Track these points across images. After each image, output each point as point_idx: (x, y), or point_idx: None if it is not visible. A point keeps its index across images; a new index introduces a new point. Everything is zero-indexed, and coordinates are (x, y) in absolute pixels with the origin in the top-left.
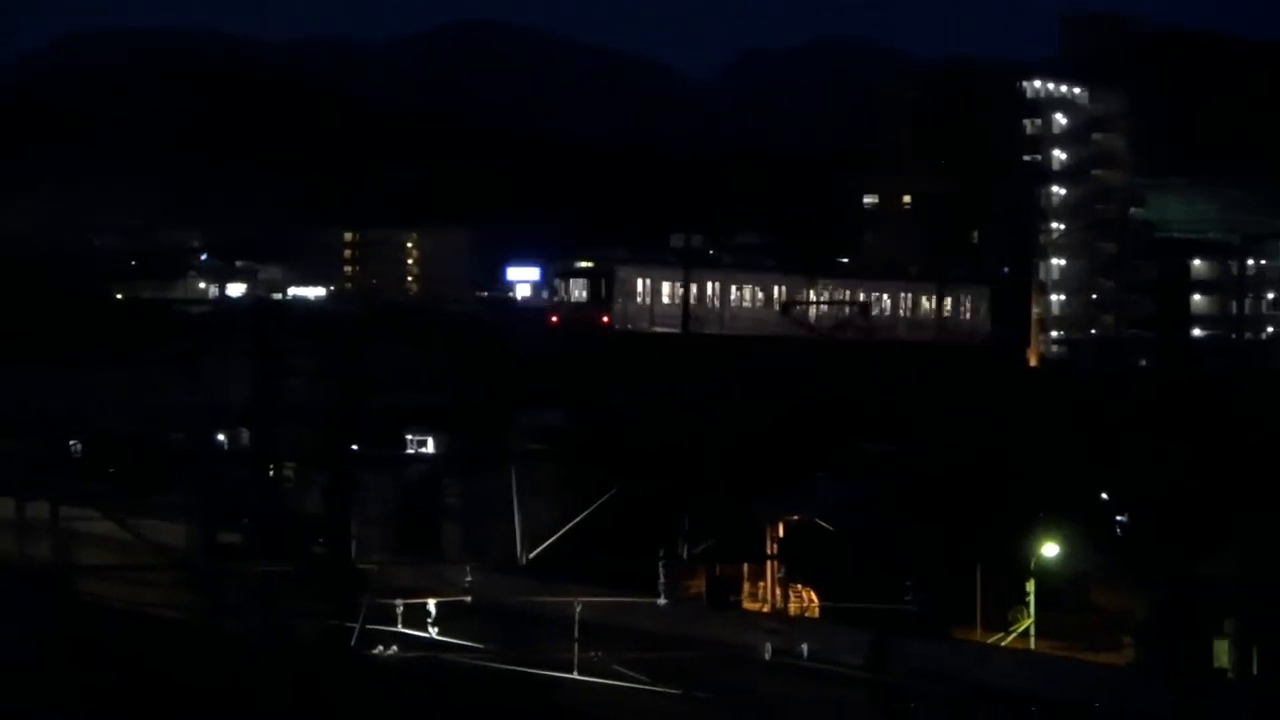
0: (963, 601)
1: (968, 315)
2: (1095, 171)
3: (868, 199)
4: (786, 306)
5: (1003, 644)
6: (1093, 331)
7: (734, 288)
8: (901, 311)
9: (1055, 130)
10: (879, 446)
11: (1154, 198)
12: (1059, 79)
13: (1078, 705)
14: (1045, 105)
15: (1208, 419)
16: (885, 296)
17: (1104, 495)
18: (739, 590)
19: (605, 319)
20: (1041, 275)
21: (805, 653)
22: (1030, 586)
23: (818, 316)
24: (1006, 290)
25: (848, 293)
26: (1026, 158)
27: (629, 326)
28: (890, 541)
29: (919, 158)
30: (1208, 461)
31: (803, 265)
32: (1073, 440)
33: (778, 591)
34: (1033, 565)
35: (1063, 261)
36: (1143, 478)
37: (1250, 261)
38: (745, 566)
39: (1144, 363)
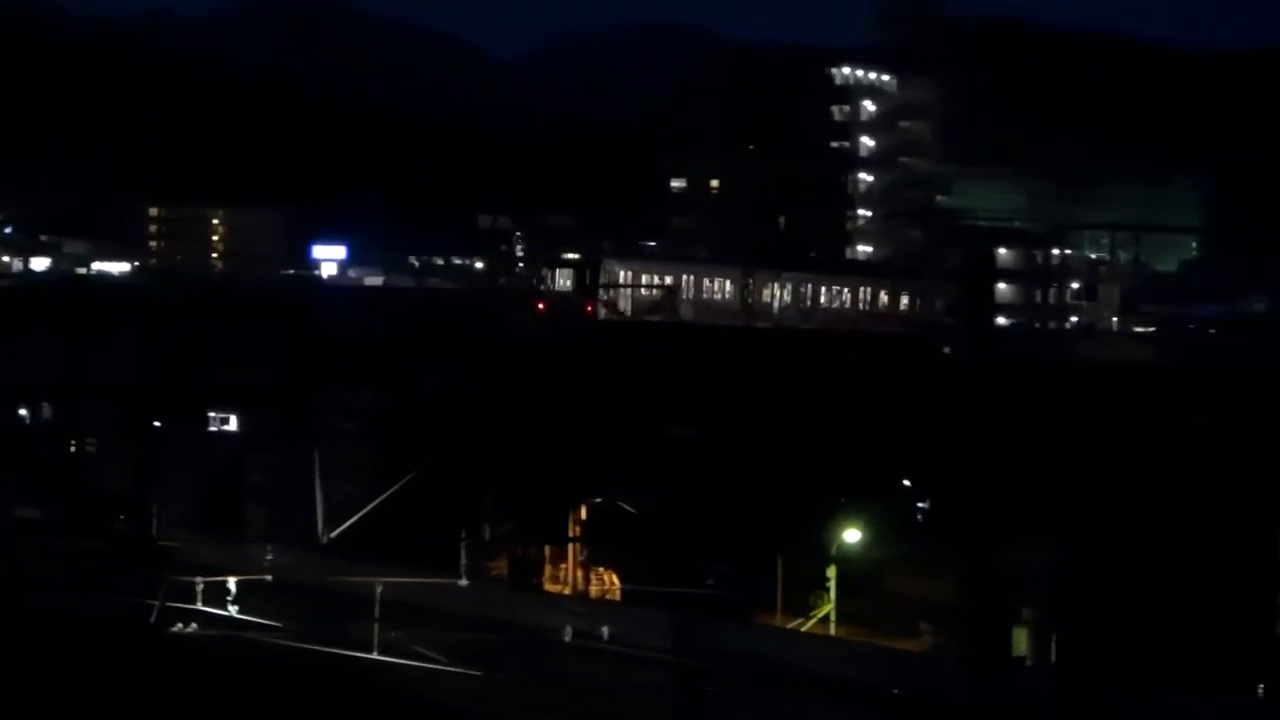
0: (765, 586)
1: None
2: (903, 159)
3: (676, 182)
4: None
5: (803, 629)
6: None
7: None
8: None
9: (864, 117)
10: (685, 430)
11: (961, 186)
12: (868, 66)
13: (877, 690)
14: (854, 92)
15: (1010, 407)
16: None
17: (905, 482)
18: (541, 572)
19: (590, 308)
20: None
21: (606, 635)
22: (831, 572)
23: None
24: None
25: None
26: (835, 144)
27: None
28: (693, 525)
29: (728, 142)
30: (1009, 449)
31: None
32: (875, 426)
33: (580, 574)
34: (834, 551)
35: (870, 248)
36: (943, 464)
37: (1055, 251)
38: (548, 548)
39: (949, 350)
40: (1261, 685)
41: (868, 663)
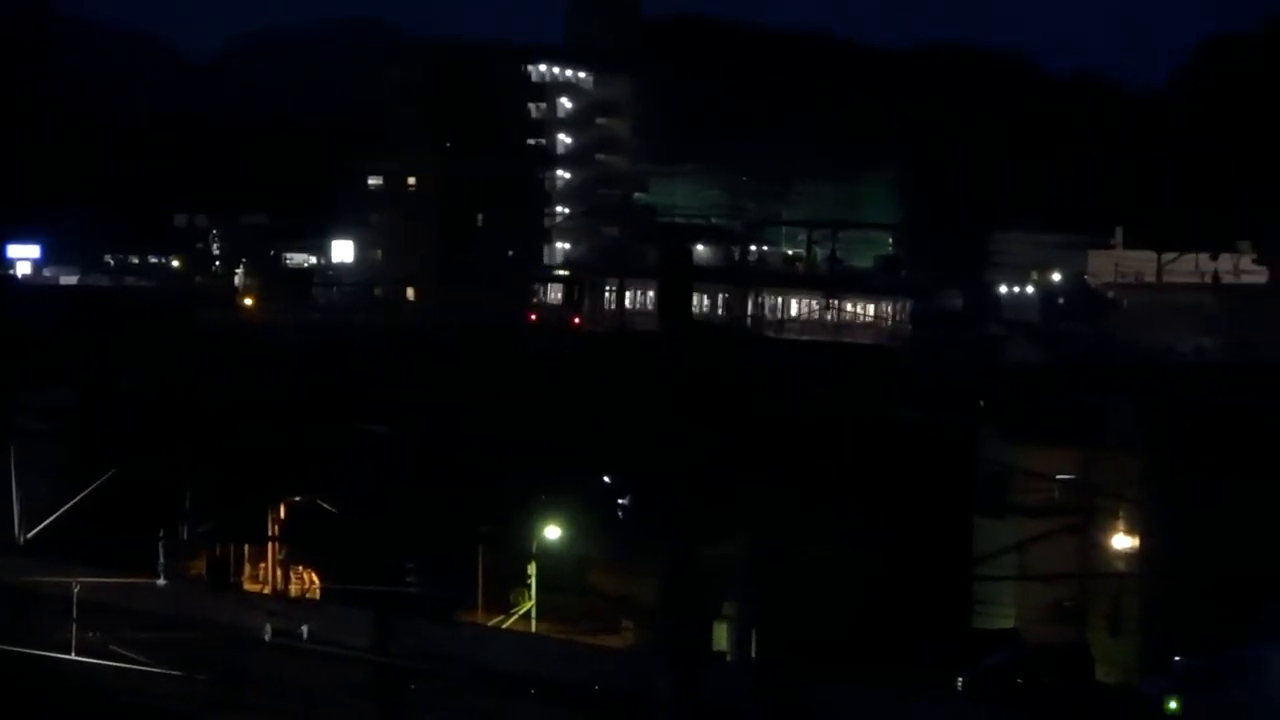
0: (466, 583)
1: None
2: (599, 156)
3: (373, 180)
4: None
5: (504, 626)
6: None
7: None
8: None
9: (561, 114)
10: (382, 428)
11: (659, 183)
12: (564, 63)
13: (577, 686)
14: (551, 89)
15: (708, 402)
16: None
17: (605, 479)
18: (240, 571)
19: (577, 320)
20: (546, 259)
21: (306, 634)
22: (532, 569)
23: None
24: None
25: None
26: (532, 141)
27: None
28: (393, 523)
29: (424, 139)
30: (710, 445)
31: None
32: (576, 422)
33: (279, 573)
34: (534, 548)
35: (567, 245)
36: (643, 461)
37: (752, 247)
38: (247, 548)
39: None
40: (960, 679)
41: (568, 659)
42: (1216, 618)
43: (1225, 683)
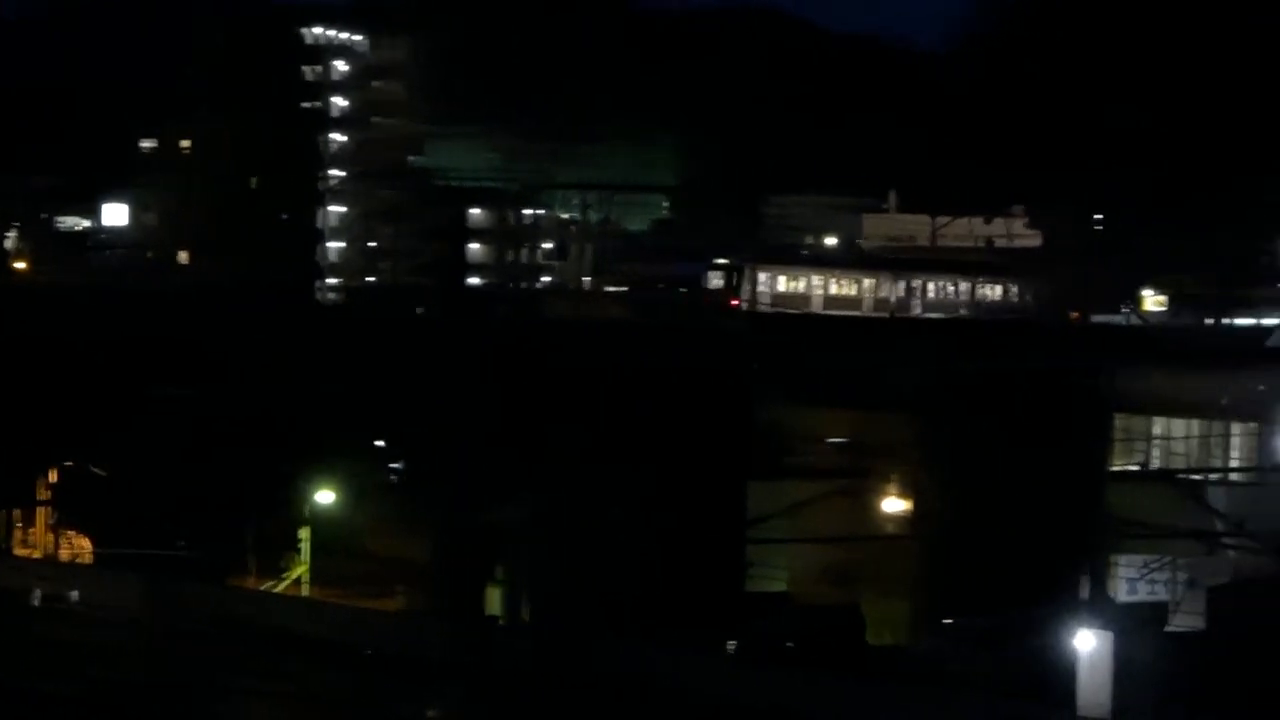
0: (237, 548)
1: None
2: (375, 119)
3: (147, 143)
4: None
5: (277, 590)
6: (370, 279)
7: None
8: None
9: (336, 77)
10: (172, 390)
11: (436, 146)
12: (339, 25)
13: (351, 648)
14: (326, 52)
15: (484, 366)
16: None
17: (379, 442)
18: (9, 536)
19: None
20: (319, 222)
21: (76, 598)
22: (305, 534)
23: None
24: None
25: None
26: (307, 104)
27: None
28: (165, 487)
29: (199, 101)
30: (487, 409)
31: None
32: (350, 386)
33: (50, 538)
34: (307, 512)
35: (343, 208)
36: (416, 424)
37: (528, 210)
38: (16, 513)
39: (422, 310)
40: (731, 643)
41: (340, 623)
42: (990, 580)
43: (998, 644)
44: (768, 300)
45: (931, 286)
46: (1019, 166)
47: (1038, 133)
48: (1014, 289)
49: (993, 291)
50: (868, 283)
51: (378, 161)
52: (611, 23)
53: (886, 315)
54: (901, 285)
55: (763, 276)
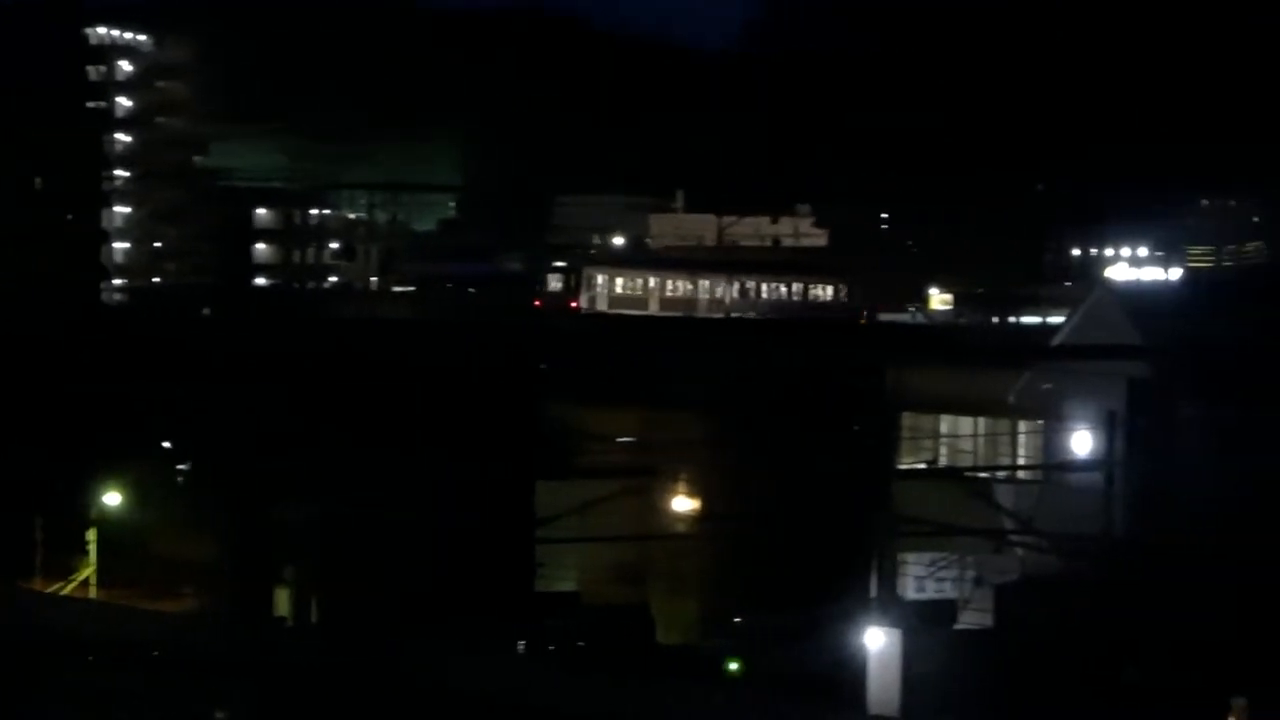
0: (23, 549)
1: None
2: (159, 119)
3: None
4: None
5: (64, 592)
6: (155, 280)
7: None
8: None
9: (120, 77)
10: None
11: (221, 146)
12: (123, 25)
13: (137, 650)
14: (110, 51)
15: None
16: None
17: (166, 444)
18: None
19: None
20: (105, 223)
21: None
22: (92, 535)
23: None
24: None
25: None
26: (91, 104)
27: None
28: None
29: None
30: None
31: None
32: (132, 386)
33: None
34: (95, 513)
35: (127, 209)
36: (203, 424)
37: (314, 211)
38: None
39: (206, 311)
40: (522, 642)
41: (128, 624)
42: (779, 579)
43: (787, 642)
44: (605, 302)
45: (765, 288)
46: (804, 165)
47: (822, 132)
48: (843, 290)
49: (824, 292)
50: (704, 284)
51: (162, 162)
52: (399, 22)
53: (721, 316)
54: (736, 286)
55: (600, 278)
